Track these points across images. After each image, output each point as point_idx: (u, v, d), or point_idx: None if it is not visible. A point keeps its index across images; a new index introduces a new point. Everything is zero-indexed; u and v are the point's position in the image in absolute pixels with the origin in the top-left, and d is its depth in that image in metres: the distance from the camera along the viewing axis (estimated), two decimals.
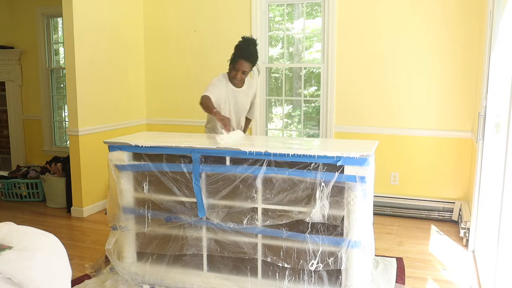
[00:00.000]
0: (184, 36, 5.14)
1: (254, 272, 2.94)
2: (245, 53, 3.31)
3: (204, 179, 2.89)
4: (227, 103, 3.45)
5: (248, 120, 3.76)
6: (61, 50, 6.10)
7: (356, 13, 4.50)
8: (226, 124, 3.09)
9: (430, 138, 4.41)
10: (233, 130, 3.35)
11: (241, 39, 3.40)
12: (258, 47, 3.40)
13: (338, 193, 2.66)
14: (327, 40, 4.60)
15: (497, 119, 3.12)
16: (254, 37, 3.48)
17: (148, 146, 2.96)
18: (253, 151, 2.75)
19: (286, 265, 2.82)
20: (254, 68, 3.45)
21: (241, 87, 3.50)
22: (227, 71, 3.45)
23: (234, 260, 2.98)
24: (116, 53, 4.88)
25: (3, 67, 6.09)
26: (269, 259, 2.85)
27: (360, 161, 2.59)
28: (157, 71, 5.32)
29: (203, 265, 3.03)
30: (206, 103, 3.20)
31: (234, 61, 3.35)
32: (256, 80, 3.69)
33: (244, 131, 3.70)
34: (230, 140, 2.97)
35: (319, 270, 2.74)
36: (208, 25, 5.03)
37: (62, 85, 6.07)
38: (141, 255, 3.17)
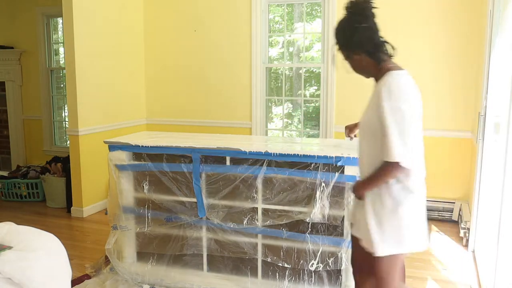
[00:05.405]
0: (184, 36, 5.14)
1: (254, 272, 2.94)
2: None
3: (204, 179, 2.89)
4: None
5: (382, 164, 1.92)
6: (61, 50, 6.10)
7: None
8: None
9: (430, 138, 4.40)
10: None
11: None
12: (336, 31, 2.11)
13: (338, 193, 2.66)
14: (327, 40, 4.60)
15: (497, 119, 3.12)
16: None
17: (148, 146, 2.96)
18: (253, 151, 2.75)
19: (286, 265, 2.82)
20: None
21: (377, 82, 2.14)
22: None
23: (234, 260, 2.98)
24: (116, 53, 4.88)
25: (3, 67, 6.08)
26: (269, 259, 2.85)
27: None
28: (157, 71, 5.32)
29: (203, 265, 3.03)
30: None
31: None
32: (386, 84, 2.03)
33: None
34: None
35: (319, 270, 2.74)
36: (208, 25, 5.03)
37: (62, 85, 6.06)
38: (141, 255, 3.17)
